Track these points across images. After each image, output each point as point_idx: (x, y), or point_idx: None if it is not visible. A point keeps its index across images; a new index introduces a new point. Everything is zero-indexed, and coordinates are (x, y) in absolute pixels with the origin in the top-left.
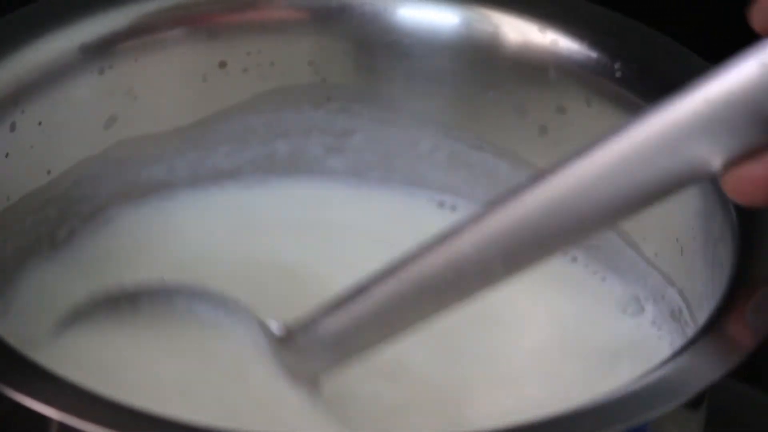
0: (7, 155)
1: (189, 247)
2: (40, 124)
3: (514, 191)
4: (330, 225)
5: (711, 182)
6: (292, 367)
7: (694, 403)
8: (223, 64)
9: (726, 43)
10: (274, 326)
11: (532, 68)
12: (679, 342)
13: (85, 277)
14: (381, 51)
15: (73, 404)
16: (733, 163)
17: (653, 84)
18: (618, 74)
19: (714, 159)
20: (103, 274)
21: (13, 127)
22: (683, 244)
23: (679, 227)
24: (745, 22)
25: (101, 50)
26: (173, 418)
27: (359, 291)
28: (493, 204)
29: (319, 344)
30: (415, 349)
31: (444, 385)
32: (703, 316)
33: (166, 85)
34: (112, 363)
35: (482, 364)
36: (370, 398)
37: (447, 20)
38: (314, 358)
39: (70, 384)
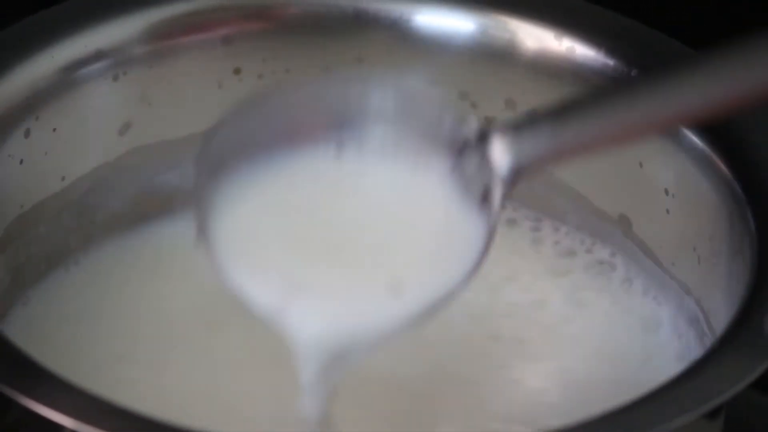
0: (21, 162)
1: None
2: (54, 130)
3: None
4: None
5: (730, 192)
6: (470, 175)
7: (712, 414)
8: (237, 71)
9: None
10: (472, 123)
11: (548, 75)
12: (696, 352)
13: (99, 284)
14: (396, 57)
15: (86, 411)
16: None
17: None
18: None
19: None
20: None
21: (27, 134)
22: (700, 254)
23: (697, 237)
24: (760, 28)
25: (116, 57)
26: (189, 427)
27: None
28: None
29: (524, 145)
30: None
31: (467, 380)
32: (720, 325)
33: (180, 91)
34: None
35: (500, 366)
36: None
37: (463, 27)
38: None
39: (83, 390)
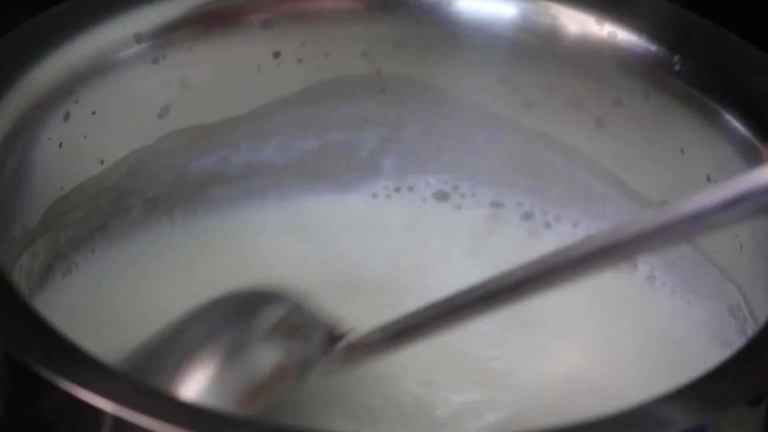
0: (60, 145)
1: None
2: (93, 113)
3: None
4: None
5: None
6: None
7: (754, 402)
8: (277, 55)
9: None
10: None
11: (589, 60)
12: (737, 339)
13: (136, 272)
14: (436, 42)
15: (127, 397)
16: None
17: (712, 77)
18: (677, 67)
19: None
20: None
21: (66, 117)
22: (742, 240)
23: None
24: None
25: (155, 40)
26: (228, 413)
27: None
28: None
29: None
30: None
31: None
32: (762, 313)
33: (219, 75)
34: None
35: (544, 348)
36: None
37: (504, 12)
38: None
39: (125, 376)
